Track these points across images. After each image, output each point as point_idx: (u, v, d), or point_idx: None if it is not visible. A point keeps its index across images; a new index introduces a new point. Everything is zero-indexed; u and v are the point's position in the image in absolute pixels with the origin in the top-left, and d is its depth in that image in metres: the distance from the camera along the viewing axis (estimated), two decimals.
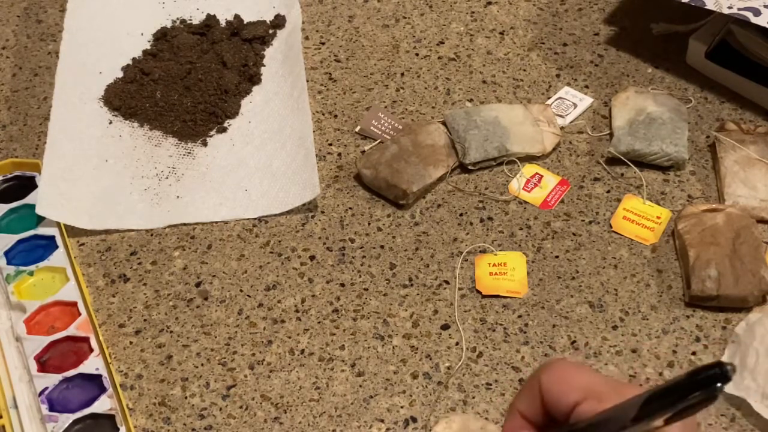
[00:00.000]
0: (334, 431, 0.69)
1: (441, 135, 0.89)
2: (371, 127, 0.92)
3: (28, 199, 0.84)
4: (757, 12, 0.84)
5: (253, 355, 0.75)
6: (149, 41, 1.02)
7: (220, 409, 0.71)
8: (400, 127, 0.92)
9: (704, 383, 0.29)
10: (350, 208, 0.86)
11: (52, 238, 0.81)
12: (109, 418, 0.68)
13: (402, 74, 0.98)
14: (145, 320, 0.77)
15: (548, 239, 0.82)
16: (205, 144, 0.92)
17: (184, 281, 0.80)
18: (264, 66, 0.99)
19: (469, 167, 0.87)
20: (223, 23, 1.02)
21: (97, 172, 0.88)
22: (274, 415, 0.71)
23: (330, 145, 0.92)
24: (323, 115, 0.94)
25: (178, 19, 1.04)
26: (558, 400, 0.35)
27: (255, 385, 0.73)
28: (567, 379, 0.35)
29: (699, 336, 0.74)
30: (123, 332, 0.77)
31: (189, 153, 0.91)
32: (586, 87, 0.96)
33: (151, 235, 0.84)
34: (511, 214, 0.84)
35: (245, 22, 1.02)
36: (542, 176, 0.87)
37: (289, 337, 0.76)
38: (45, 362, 0.72)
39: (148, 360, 0.74)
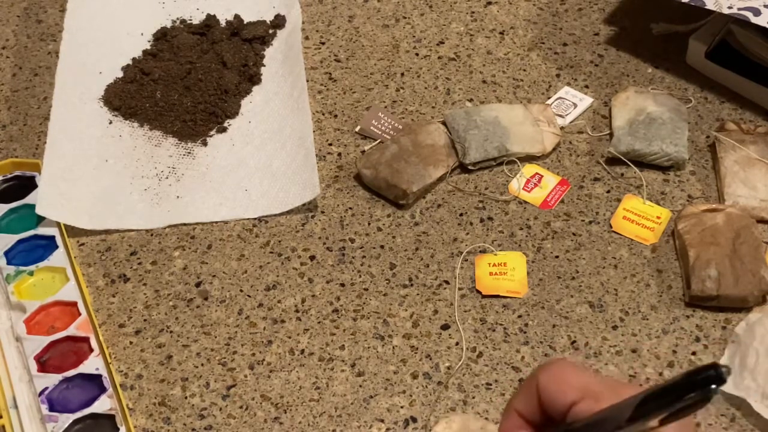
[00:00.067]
0: (334, 431, 0.69)
1: (441, 135, 0.89)
2: (371, 127, 0.92)
3: (28, 199, 0.84)
4: (757, 12, 0.84)
5: (253, 355, 0.75)
6: (149, 41, 1.02)
7: (220, 409, 0.71)
8: (400, 127, 0.92)
9: (699, 384, 0.29)
10: (350, 208, 0.86)
11: (52, 238, 0.81)
12: (109, 418, 0.68)
13: (402, 74, 0.98)
14: (145, 320, 0.77)
15: (548, 239, 0.82)
16: (205, 144, 0.92)
17: (184, 281, 0.80)
18: (264, 66, 0.99)
19: (469, 167, 0.88)
20: (223, 23, 1.02)
21: (97, 172, 0.88)
22: (274, 415, 0.71)
23: (330, 145, 0.92)
24: (323, 115, 0.95)
25: (178, 19, 1.04)
26: (555, 399, 0.35)
27: (255, 385, 0.73)
28: (564, 378, 0.35)
29: (699, 336, 0.74)
30: (123, 332, 0.77)
31: (189, 153, 0.91)
32: (586, 87, 0.96)
33: (151, 235, 0.84)
34: (511, 214, 0.84)
35: (245, 22, 1.03)
36: (542, 176, 0.87)
37: (289, 337, 0.76)
38: (45, 362, 0.72)
39: (148, 360, 0.75)
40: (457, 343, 0.75)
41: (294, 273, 0.80)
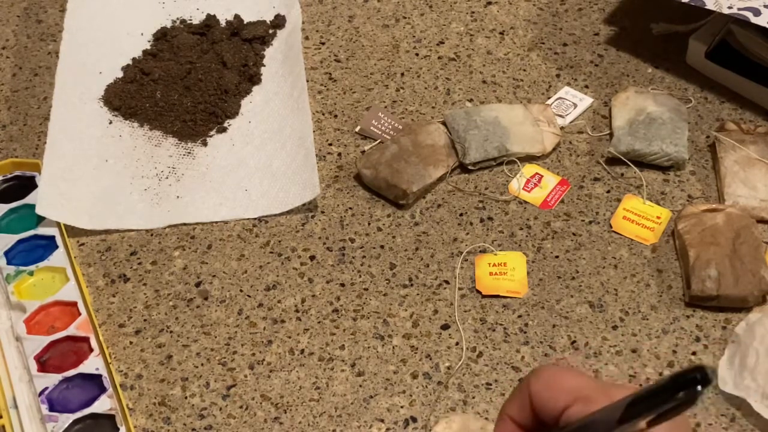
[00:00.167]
0: (334, 431, 0.69)
1: (441, 135, 0.89)
2: (371, 127, 0.92)
3: (28, 199, 0.84)
4: (757, 12, 0.84)
5: (253, 355, 0.75)
6: (149, 41, 1.02)
7: (220, 409, 0.71)
8: (400, 127, 0.92)
9: (685, 386, 0.29)
10: (350, 208, 0.86)
11: (52, 238, 0.81)
12: (109, 418, 0.68)
13: (402, 74, 0.98)
14: (145, 320, 0.77)
15: (548, 239, 0.82)
16: (205, 144, 0.92)
17: (184, 281, 0.80)
18: (264, 66, 0.99)
19: (469, 167, 0.88)
20: (223, 23, 1.02)
21: (97, 172, 0.88)
22: (274, 415, 0.71)
23: (330, 145, 0.92)
24: (323, 115, 0.95)
25: (178, 19, 1.04)
26: (547, 404, 0.35)
27: (255, 385, 0.73)
28: (556, 383, 0.35)
29: (699, 336, 0.74)
30: (123, 332, 0.77)
31: (189, 153, 0.91)
32: (586, 87, 0.96)
33: (151, 235, 0.84)
34: (511, 214, 0.84)
35: (245, 22, 1.03)
36: (542, 176, 0.87)
37: (289, 337, 0.76)
38: (45, 362, 0.72)
39: (148, 360, 0.75)
40: (457, 343, 0.75)
41: (294, 273, 0.80)
